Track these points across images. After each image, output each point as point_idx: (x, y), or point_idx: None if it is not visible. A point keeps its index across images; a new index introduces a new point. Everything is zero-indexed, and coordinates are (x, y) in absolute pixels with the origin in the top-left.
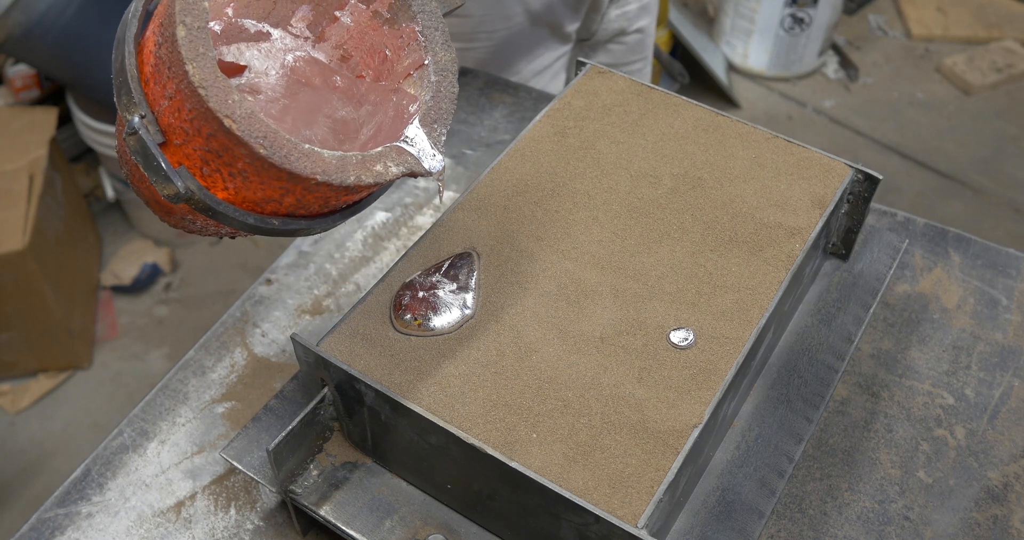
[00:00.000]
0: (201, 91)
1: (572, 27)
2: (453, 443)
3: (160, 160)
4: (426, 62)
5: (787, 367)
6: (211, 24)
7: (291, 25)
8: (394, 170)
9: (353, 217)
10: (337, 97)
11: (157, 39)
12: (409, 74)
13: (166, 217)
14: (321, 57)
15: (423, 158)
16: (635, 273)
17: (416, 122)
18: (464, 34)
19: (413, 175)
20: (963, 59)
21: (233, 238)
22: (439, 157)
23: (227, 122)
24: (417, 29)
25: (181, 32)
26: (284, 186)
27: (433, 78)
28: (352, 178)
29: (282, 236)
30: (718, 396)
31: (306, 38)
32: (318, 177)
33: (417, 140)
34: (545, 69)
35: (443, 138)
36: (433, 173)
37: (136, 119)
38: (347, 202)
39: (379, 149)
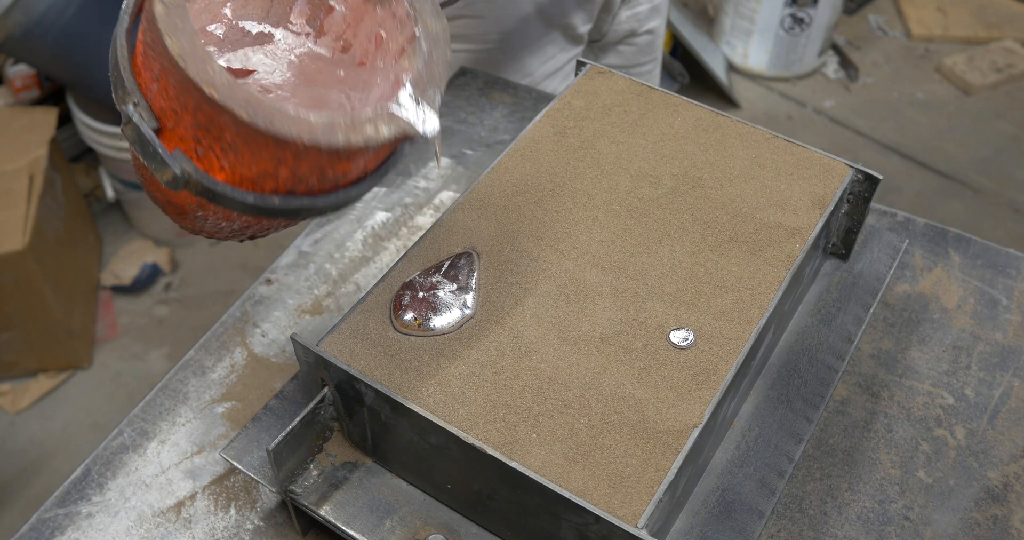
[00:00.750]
0: (180, 62)
1: (584, 28)
2: (453, 443)
3: (155, 145)
4: (417, 33)
5: (787, 367)
6: (213, 28)
7: (290, 22)
8: (385, 131)
9: (353, 217)
10: (343, 91)
11: (144, 26)
12: (404, 49)
13: (179, 219)
14: (323, 52)
15: (416, 121)
16: (635, 273)
17: (408, 86)
18: (476, 35)
19: (407, 137)
20: (963, 59)
21: (252, 239)
22: (434, 120)
23: (208, 89)
24: (406, 3)
25: (159, 9)
26: (274, 154)
27: (424, 47)
28: (341, 139)
29: (287, 217)
30: (718, 396)
31: (307, 34)
32: (305, 138)
33: (409, 104)
34: (557, 71)
35: (437, 101)
36: (428, 136)
37: (130, 107)
38: (345, 173)
39: (369, 111)
